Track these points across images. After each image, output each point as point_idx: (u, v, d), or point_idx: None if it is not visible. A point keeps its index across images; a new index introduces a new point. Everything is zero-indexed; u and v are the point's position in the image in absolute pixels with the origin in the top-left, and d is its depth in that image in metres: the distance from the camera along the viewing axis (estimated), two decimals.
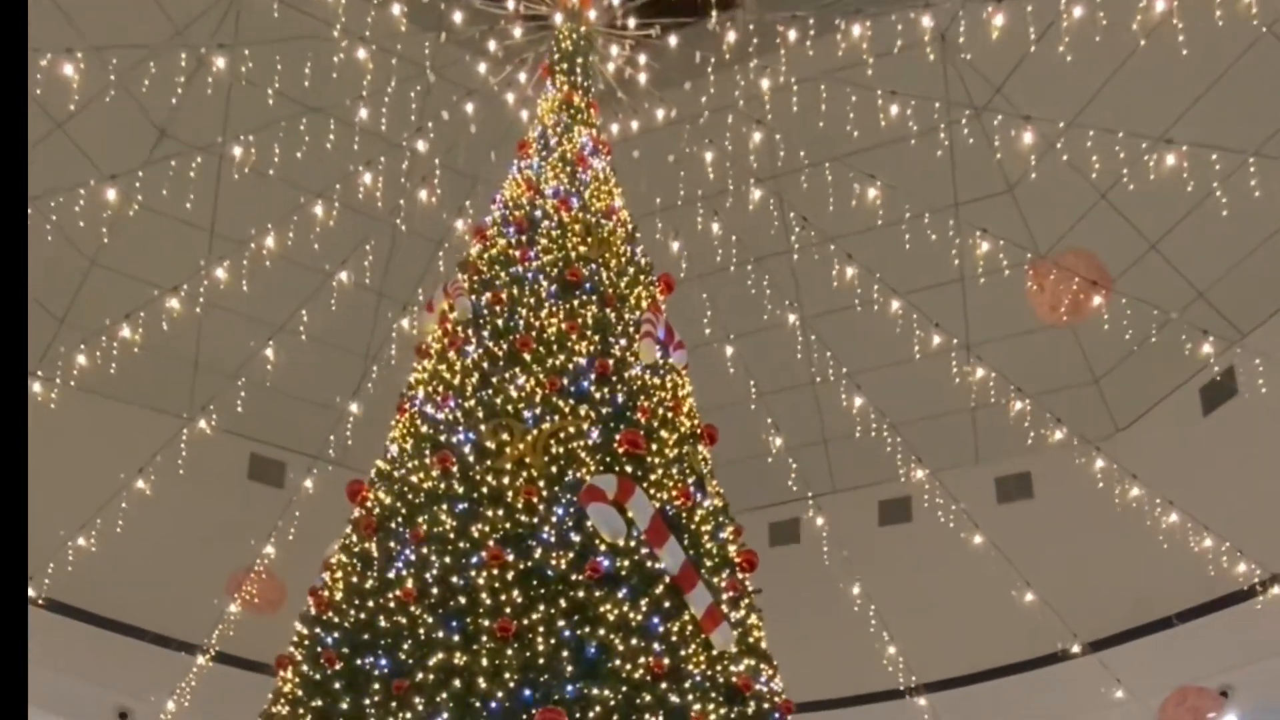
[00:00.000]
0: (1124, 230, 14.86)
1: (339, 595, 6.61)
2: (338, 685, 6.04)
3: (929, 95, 13.61)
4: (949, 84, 14.32)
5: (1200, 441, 13.77)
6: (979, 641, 13.71)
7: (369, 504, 7.15)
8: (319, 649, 6.39)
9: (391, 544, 6.63)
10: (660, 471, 6.97)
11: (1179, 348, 13.11)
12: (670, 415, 7.48)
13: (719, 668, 6.21)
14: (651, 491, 6.70)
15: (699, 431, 7.71)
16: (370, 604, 6.32)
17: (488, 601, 6.01)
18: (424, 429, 7.32)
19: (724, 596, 6.57)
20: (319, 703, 6.08)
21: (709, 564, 6.73)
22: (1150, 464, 12.99)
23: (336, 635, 6.36)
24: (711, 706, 5.98)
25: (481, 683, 5.69)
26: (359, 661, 6.10)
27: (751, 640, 6.67)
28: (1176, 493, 12.36)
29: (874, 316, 13.55)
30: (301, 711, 6.16)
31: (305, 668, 6.41)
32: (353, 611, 6.38)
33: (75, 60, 10.14)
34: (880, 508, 15.74)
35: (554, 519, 6.39)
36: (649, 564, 6.33)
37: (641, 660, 5.88)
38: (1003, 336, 14.77)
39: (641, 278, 8.49)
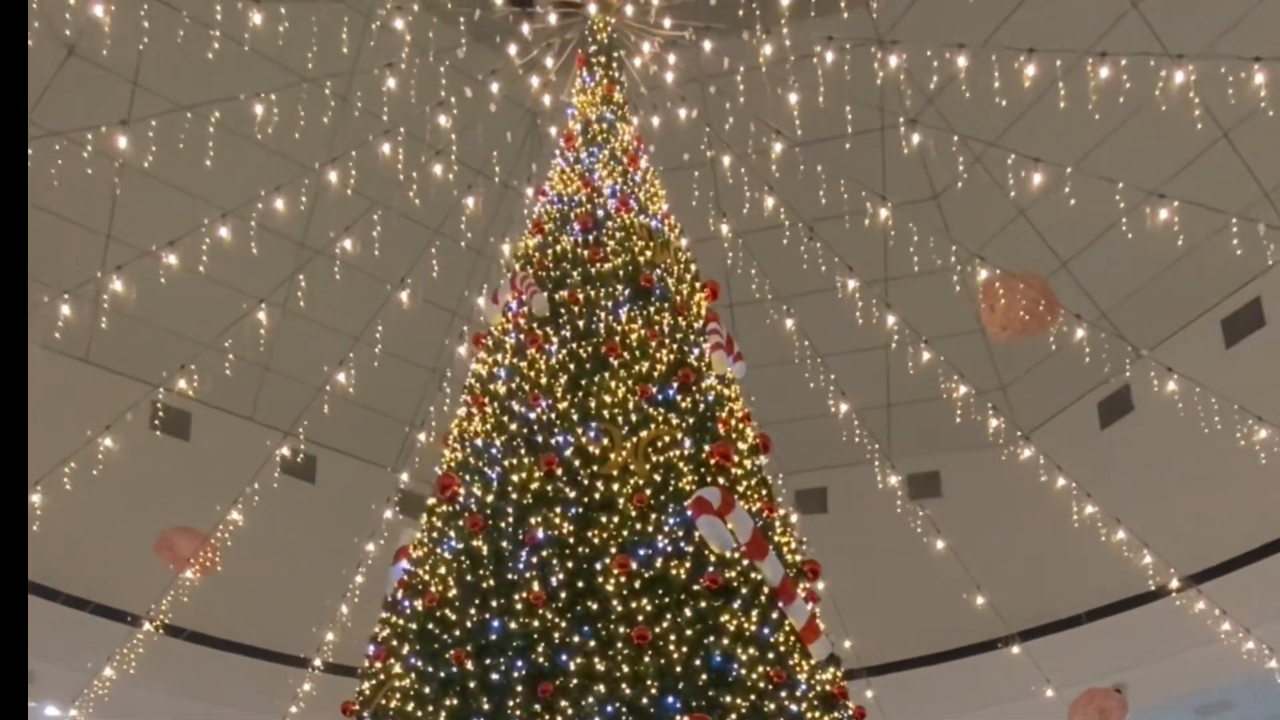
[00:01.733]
0: (1039, 247, 15.73)
1: (453, 593, 6.57)
2: (472, 684, 6.06)
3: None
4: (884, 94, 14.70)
5: (1097, 453, 14.71)
6: (905, 630, 14.41)
7: (461, 499, 7.13)
8: (437, 646, 6.39)
9: (503, 544, 6.63)
10: (744, 484, 7.20)
11: (1080, 362, 14.03)
12: (741, 426, 7.70)
13: (818, 677, 6.53)
14: (741, 504, 6.92)
15: (758, 442, 7.93)
16: (494, 604, 6.33)
17: (619, 609, 6.13)
18: (513, 426, 7.31)
19: (812, 607, 6.87)
20: (452, 701, 6.08)
21: (792, 574, 7.00)
22: (1049, 470, 13.82)
23: (457, 634, 6.35)
24: (818, 715, 6.29)
25: (625, 689, 5.83)
26: (488, 661, 6.13)
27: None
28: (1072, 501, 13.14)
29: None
30: (432, 709, 6.15)
31: (422, 664, 6.39)
32: (473, 611, 6.37)
33: None
34: (797, 498, 16.23)
35: (666, 528, 6.54)
36: (751, 575, 6.56)
37: (760, 669, 6.12)
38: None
39: (696, 284, 8.63)
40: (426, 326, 14.60)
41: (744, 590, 6.40)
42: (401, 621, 6.79)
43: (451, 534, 6.98)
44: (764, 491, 7.38)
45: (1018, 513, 14.25)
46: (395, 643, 6.71)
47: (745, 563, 6.54)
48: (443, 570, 6.79)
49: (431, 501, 7.57)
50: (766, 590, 6.52)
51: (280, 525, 14.22)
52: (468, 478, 7.23)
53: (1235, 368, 13.80)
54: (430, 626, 6.54)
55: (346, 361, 11.54)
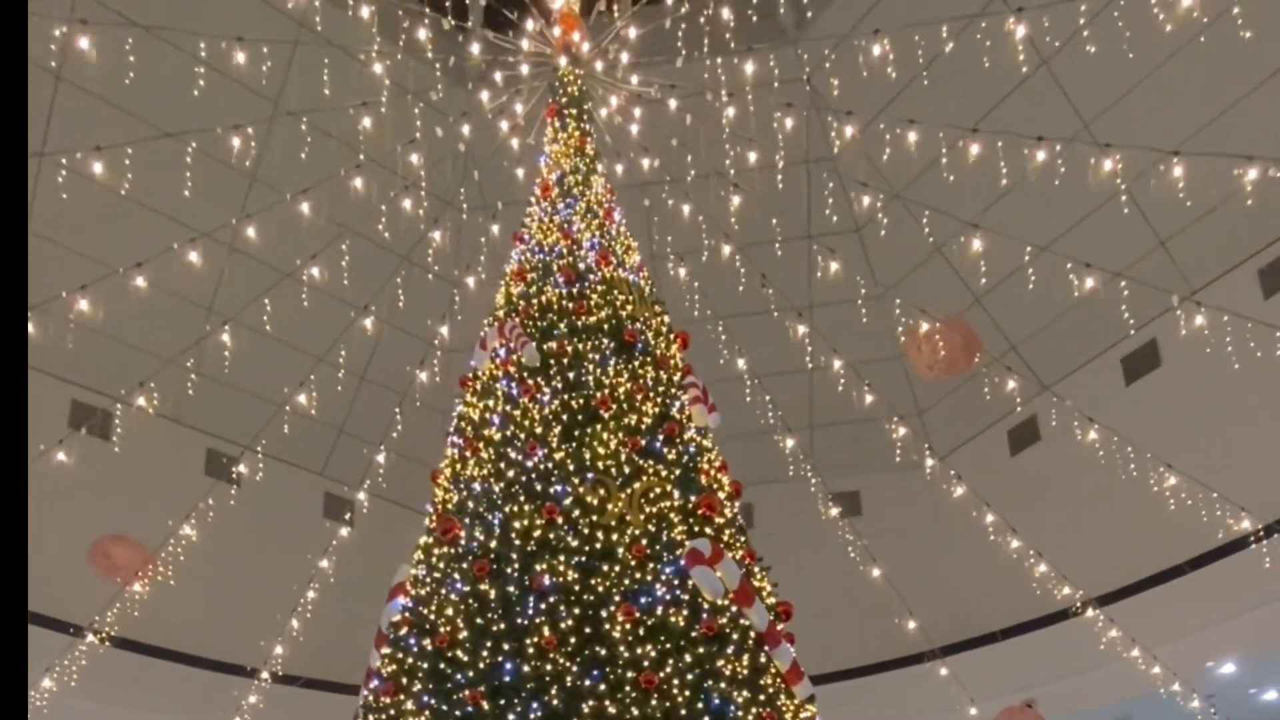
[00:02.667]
0: (955, 282, 16.58)
1: (463, 634, 6.93)
2: None
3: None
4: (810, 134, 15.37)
5: (1007, 478, 15.60)
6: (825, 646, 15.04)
7: (463, 542, 7.47)
8: (450, 685, 6.74)
9: (510, 589, 7.01)
10: (727, 532, 7.70)
11: (993, 391, 14.88)
12: (719, 475, 8.19)
13: (801, 715, 7.08)
14: (728, 553, 7.41)
15: (733, 489, 8.41)
16: (505, 647, 6.71)
17: (625, 654, 6.58)
18: (510, 473, 7.68)
19: (793, 650, 7.40)
20: None
21: (772, 616, 7.52)
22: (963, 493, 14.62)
23: (471, 675, 6.71)
24: None
25: None
26: (503, 702, 6.53)
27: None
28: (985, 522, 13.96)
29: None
30: None
31: (436, 703, 6.73)
32: (485, 654, 6.74)
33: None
34: None
35: (663, 577, 7.01)
36: (740, 621, 7.07)
37: (754, 711, 6.63)
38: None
39: (671, 335, 9.07)
40: (391, 351, 14.87)
41: (735, 636, 6.90)
42: (410, 660, 7.10)
43: (456, 576, 7.30)
44: (743, 539, 7.88)
45: (933, 532, 15.03)
46: (405, 679, 7.02)
47: (734, 609, 7.04)
48: (450, 611, 7.10)
49: (425, 540, 7.90)
50: (754, 635, 7.03)
51: (223, 536, 14.30)
52: (468, 521, 7.57)
53: (1135, 404, 14.76)
54: (442, 666, 6.87)
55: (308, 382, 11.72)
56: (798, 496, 15.43)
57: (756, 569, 7.79)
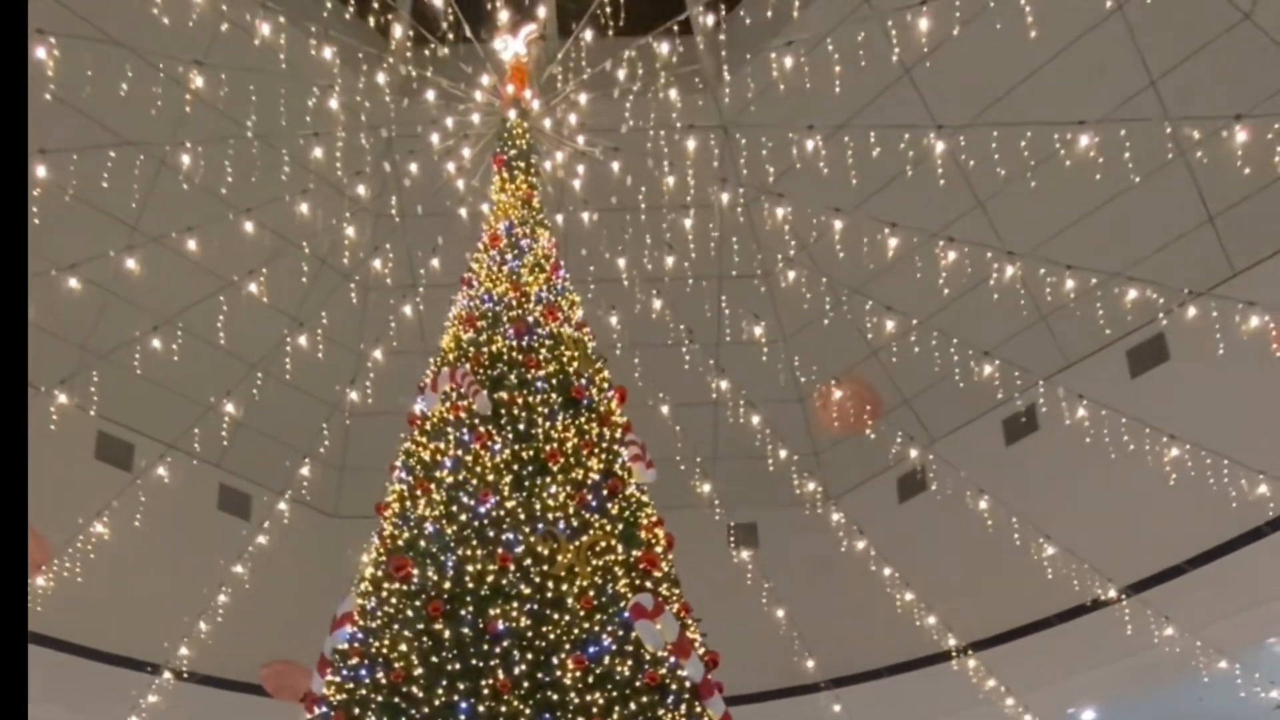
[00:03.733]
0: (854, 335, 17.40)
1: (418, 671, 7.28)
2: None
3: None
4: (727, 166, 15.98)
5: (894, 522, 16.45)
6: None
7: (415, 580, 7.81)
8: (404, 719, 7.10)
9: (464, 630, 7.39)
10: (664, 586, 8.20)
11: (882, 442, 15.72)
12: (656, 530, 8.68)
13: None
14: (668, 607, 7.91)
15: (666, 542, 8.90)
16: (460, 686, 7.10)
17: (575, 700, 7.03)
18: (463, 517, 8.04)
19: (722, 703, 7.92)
20: None
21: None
22: (850, 533, 15.38)
23: (426, 711, 7.07)
24: None
25: None
26: None
27: None
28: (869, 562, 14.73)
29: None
30: None
31: None
32: (441, 692, 7.11)
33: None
34: None
35: (609, 628, 7.48)
36: (678, 672, 7.56)
37: None
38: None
39: (610, 391, 9.53)
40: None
41: (674, 686, 7.41)
42: (363, 691, 7.43)
43: (409, 613, 7.63)
44: (678, 591, 8.38)
45: (823, 568, 15.72)
46: (356, 710, 7.34)
47: (672, 660, 7.54)
48: (404, 647, 7.44)
49: (372, 572, 8.23)
50: (690, 686, 7.54)
51: (126, 531, 14.19)
52: (420, 560, 7.90)
53: (1016, 462, 15.75)
54: (397, 700, 7.23)
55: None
56: (703, 523, 15.95)
57: (689, 621, 8.29)
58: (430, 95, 10.77)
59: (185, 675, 13.90)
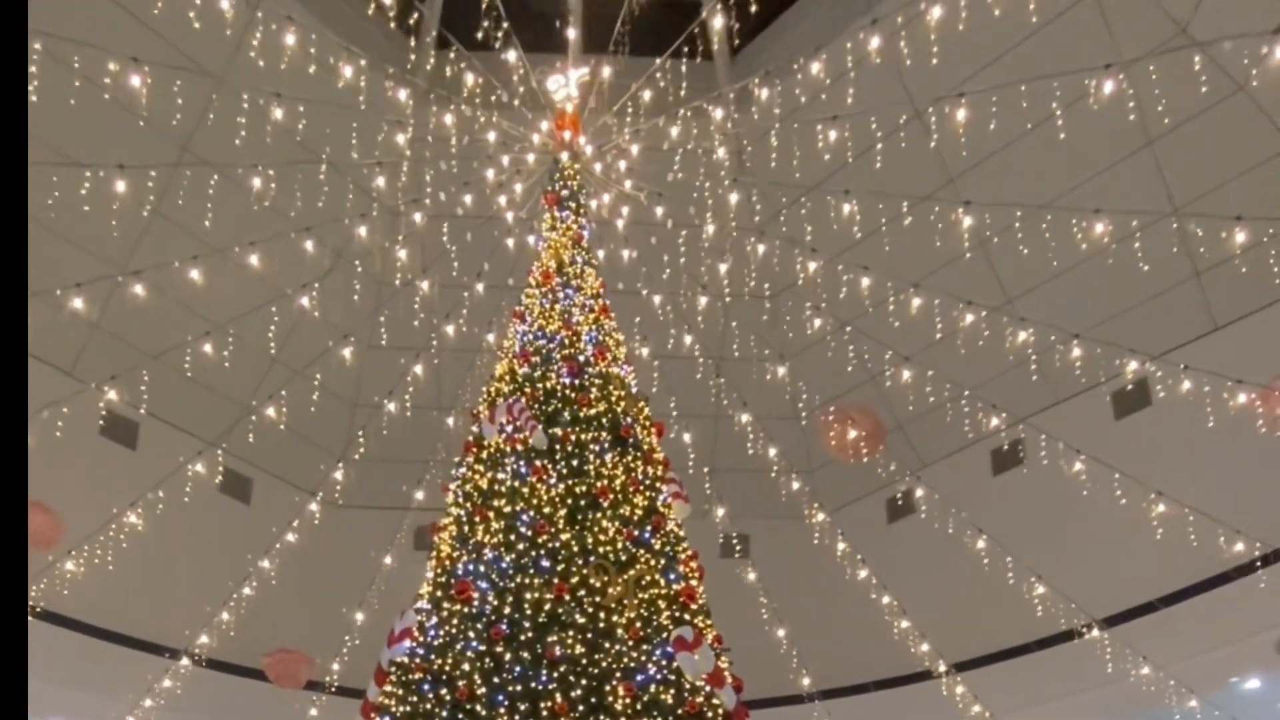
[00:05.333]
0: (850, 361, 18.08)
1: (481, 690, 7.92)
2: None
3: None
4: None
5: (884, 542, 17.17)
6: None
7: (475, 603, 8.42)
8: None
9: (524, 655, 8.03)
10: (700, 618, 8.86)
11: (873, 465, 16.44)
12: (691, 563, 9.33)
13: None
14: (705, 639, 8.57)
15: (698, 575, 9.53)
16: (521, 708, 7.75)
17: None
18: (520, 546, 8.66)
19: None
20: None
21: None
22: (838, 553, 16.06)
23: None
24: None
25: None
26: None
27: None
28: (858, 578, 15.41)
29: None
30: None
31: None
32: (503, 712, 7.75)
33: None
34: None
35: (654, 658, 8.14)
36: (713, 700, 8.23)
37: None
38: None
39: (655, 427, 10.16)
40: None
41: (710, 715, 8.08)
42: (427, 705, 8.05)
43: (470, 635, 8.25)
44: (709, 622, 9.04)
45: (814, 582, 16.41)
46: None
47: (708, 689, 8.20)
48: (466, 667, 8.08)
49: (431, 590, 8.83)
50: (724, 713, 8.22)
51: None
52: (481, 585, 8.50)
53: (998, 493, 16.50)
54: (461, 717, 7.86)
55: None
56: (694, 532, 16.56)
57: (719, 652, 8.95)
58: (491, 136, 11.30)
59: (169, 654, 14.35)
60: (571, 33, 12.02)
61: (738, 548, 17.34)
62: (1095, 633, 13.76)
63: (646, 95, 11.56)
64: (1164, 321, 15.48)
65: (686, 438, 16.03)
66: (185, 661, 14.54)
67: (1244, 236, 12.15)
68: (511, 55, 11.41)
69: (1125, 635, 13.84)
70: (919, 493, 17.12)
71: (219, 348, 12.75)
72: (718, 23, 10.96)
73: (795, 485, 16.03)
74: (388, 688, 8.49)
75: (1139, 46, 13.32)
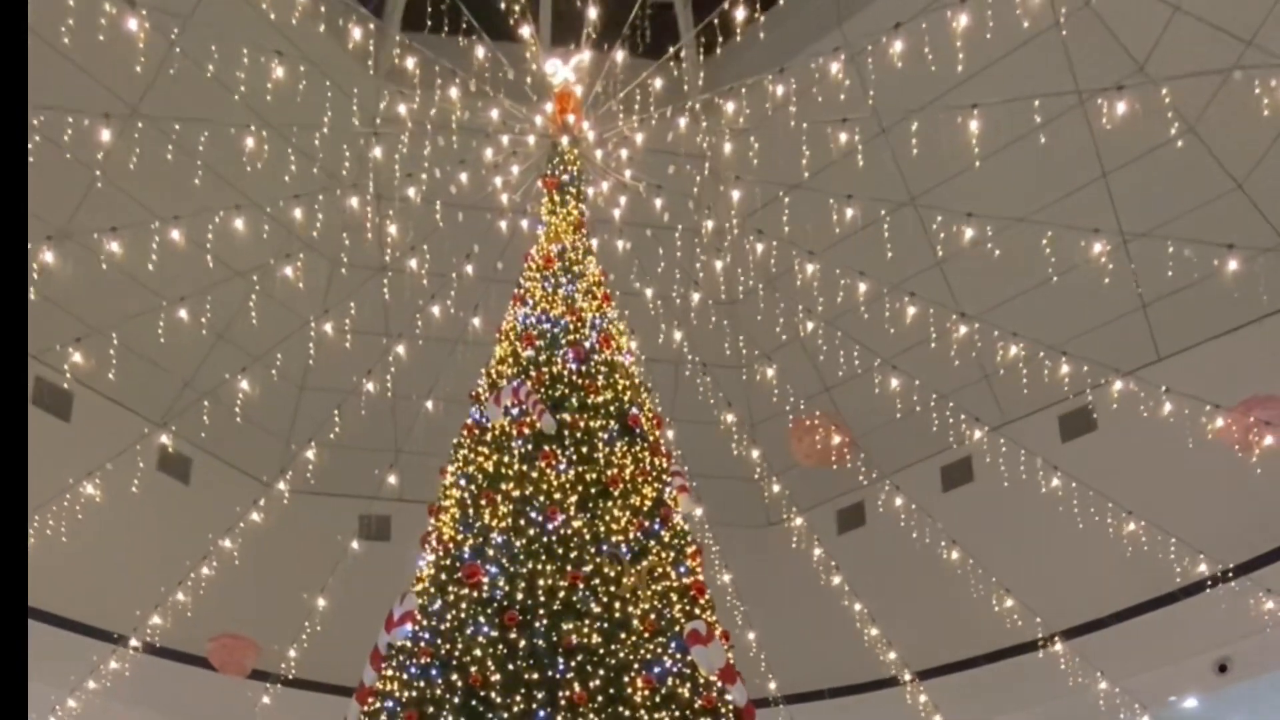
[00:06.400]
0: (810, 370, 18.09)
1: (495, 678, 7.58)
2: None
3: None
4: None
5: (834, 554, 17.12)
6: None
7: (484, 585, 8.08)
8: None
9: (539, 643, 7.73)
10: (709, 612, 8.65)
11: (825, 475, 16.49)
12: (697, 557, 9.12)
13: None
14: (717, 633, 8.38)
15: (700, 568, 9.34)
16: (539, 696, 7.44)
17: (645, 718, 7.46)
18: (531, 531, 8.34)
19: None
20: None
21: None
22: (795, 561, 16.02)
23: (504, 717, 7.39)
24: None
25: None
26: None
27: None
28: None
29: None
30: None
31: None
32: (519, 699, 7.44)
33: None
34: None
35: (668, 650, 7.91)
36: (725, 696, 8.03)
37: None
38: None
39: (655, 419, 9.93)
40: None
41: (723, 711, 7.89)
42: (436, 691, 7.68)
43: (481, 620, 7.90)
44: (715, 618, 8.84)
45: (776, 589, 16.33)
46: (430, 709, 7.60)
47: (720, 684, 8.00)
48: (477, 652, 7.72)
49: (432, 573, 8.46)
50: (734, 709, 8.03)
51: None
52: (490, 569, 8.16)
53: (949, 504, 16.60)
54: (474, 704, 7.51)
55: None
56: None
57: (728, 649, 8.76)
58: (494, 114, 11.00)
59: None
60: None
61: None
62: (1053, 649, 13.84)
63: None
64: (1111, 346, 15.71)
65: None
66: (117, 648, 13.80)
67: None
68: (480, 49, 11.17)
69: (1079, 649, 13.96)
70: (876, 503, 17.19)
71: (155, 322, 12.15)
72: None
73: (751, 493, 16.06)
74: (389, 672, 8.11)
75: (1097, 80, 13.56)
